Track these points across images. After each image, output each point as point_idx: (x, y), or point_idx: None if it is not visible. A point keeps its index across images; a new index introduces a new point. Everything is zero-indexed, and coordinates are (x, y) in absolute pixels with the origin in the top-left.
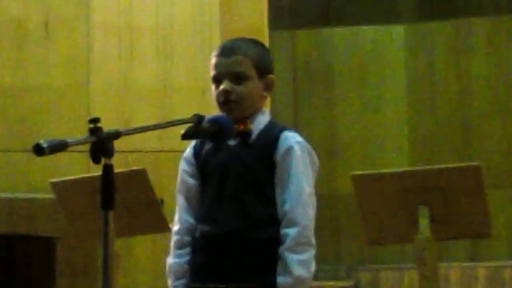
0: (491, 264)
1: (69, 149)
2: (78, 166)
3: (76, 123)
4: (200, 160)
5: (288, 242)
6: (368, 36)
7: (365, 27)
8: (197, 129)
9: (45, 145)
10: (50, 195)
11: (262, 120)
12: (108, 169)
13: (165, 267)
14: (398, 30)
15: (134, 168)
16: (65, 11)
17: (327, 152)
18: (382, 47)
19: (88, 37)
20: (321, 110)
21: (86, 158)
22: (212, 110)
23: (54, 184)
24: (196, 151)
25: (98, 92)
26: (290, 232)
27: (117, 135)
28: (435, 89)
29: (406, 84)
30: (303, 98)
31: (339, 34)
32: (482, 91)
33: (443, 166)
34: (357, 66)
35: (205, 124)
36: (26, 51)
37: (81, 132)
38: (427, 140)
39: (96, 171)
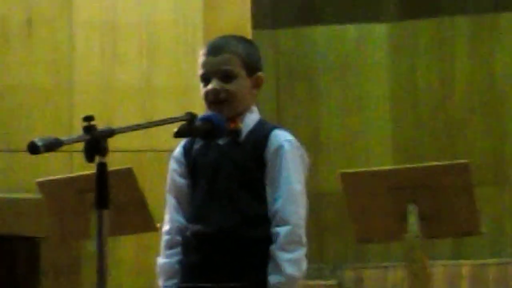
0: (475, 262)
1: None
2: (61, 165)
3: (59, 121)
4: (190, 159)
5: (279, 241)
6: (351, 35)
7: (347, 26)
8: (190, 127)
9: (40, 144)
10: (34, 195)
11: (252, 118)
12: (102, 167)
13: (148, 266)
14: (380, 29)
15: (121, 167)
16: (47, 10)
17: (310, 150)
18: (365, 46)
19: (71, 36)
20: (304, 109)
21: (69, 157)
22: (195, 109)
23: (40, 184)
24: (186, 150)
25: (81, 91)
26: (281, 230)
27: (111, 133)
28: (418, 87)
29: (389, 83)
30: (285, 96)
31: (321, 33)
32: (465, 90)
33: (431, 163)
34: (339, 64)
35: (197, 122)
36: (9, 50)
37: (64, 131)
38: (410, 138)
39: (80, 170)
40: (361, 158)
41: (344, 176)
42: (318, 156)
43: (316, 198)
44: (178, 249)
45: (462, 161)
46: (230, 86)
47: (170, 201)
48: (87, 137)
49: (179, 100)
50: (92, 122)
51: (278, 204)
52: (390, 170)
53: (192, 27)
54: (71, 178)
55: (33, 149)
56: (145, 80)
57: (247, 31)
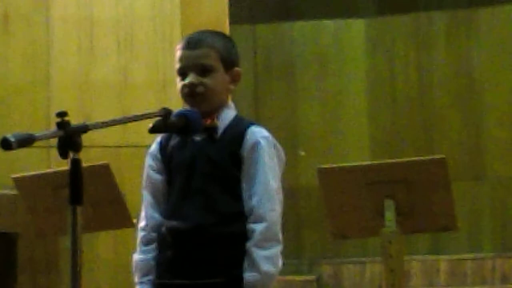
0: (452, 257)
1: None
2: (38, 161)
3: (36, 117)
4: (166, 156)
5: (255, 238)
6: (329, 30)
7: (325, 21)
8: (165, 123)
9: (12, 140)
10: (10, 191)
11: (228, 114)
12: (76, 163)
13: (125, 262)
14: (358, 24)
15: (97, 163)
16: (24, 4)
17: (288, 145)
18: (343, 41)
19: (48, 31)
20: (282, 104)
21: (46, 153)
22: (173, 105)
23: (16, 180)
24: (162, 146)
25: (58, 87)
26: (257, 227)
27: (85, 129)
28: (395, 82)
29: (366, 78)
30: (263, 91)
31: (299, 28)
32: (442, 84)
33: (408, 159)
34: (317, 60)
35: (173, 118)
36: None
37: (42, 127)
38: (388, 133)
39: (57, 166)
40: (339, 152)
41: (321, 171)
42: (296, 151)
43: (293, 193)
44: (154, 246)
45: (439, 156)
46: (207, 80)
47: (146, 197)
48: (61, 133)
49: (157, 95)
50: (66, 118)
51: (254, 201)
52: (367, 166)
53: (169, 22)
54: (47, 174)
55: (6, 145)
56: (122, 75)
57: (225, 26)
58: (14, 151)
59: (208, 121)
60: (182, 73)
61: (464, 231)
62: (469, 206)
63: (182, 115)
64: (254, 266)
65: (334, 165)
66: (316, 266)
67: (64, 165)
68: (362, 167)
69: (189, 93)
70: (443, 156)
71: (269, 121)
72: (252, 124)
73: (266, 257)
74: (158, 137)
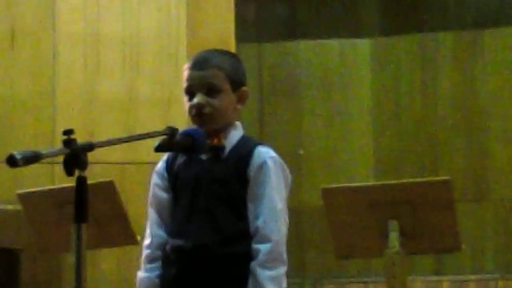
0: (455, 277)
1: None
2: (43, 177)
3: (41, 133)
4: (172, 174)
5: (260, 258)
6: (334, 50)
7: (330, 41)
8: (170, 141)
9: (19, 157)
10: (14, 206)
11: (235, 134)
12: (82, 181)
13: (128, 279)
14: (363, 44)
15: (102, 180)
16: (31, 21)
17: (292, 165)
18: (348, 61)
19: (54, 47)
20: (287, 123)
21: (50, 170)
22: (178, 122)
23: (20, 196)
24: (168, 165)
25: (63, 103)
26: (263, 248)
27: (91, 147)
28: (400, 103)
29: (371, 98)
30: (269, 110)
31: (305, 47)
32: (447, 105)
33: (413, 180)
34: (322, 79)
35: (178, 137)
36: None
37: (46, 143)
38: (392, 153)
39: (61, 182)
40: (343, 172)
41: (325, 191)
42: (300, 171)
43: (297, 212)
44: (159, 264)
45: (443, 177)
46: (215, 101)
47: (152, 215)
48: (67, 151)
49: (162, 112)
50: (72, 136)
51: (260, 221)
52: (371, 186)
53: (175, 39)
54: (51, 190)
55: (12, 162)
56: (128, 92)
57: (231, 44)
58: (19, 168)
59: (215, 141)
60: (190, 93)
61: (468, 252)
62: (473, 227)
63: (187, 134)
64: (259, 286)
65: (339, 185)
66: (319, 285)
67: (68, 182)
68: (366, 188)
69: (197, 114)
70: (448, 177)
71: (273, 139)
72: (259, 144)
73: (271, 278)
74: (165, 155)
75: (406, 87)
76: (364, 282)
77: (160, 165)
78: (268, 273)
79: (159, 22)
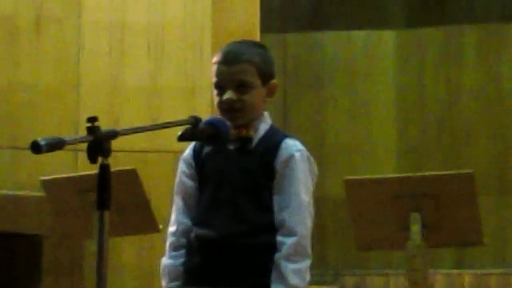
0: (477, 271)
1: None
2: (65, 164)
3: (65, 121)
4: (199, 162)
5: (284, 251)
6: (359, 41)
7: (355, 32)
8: (193, 131)
9: (42, 143)
10: (37, 193)
11: (263, 126)
12: (105, 169)
13: (150, 267)
14: (388, 36)
15: (124, 167)
16: (56, 9)
17: (315, 156)
18: (372, 52)
19: (79, 35)
20: (310, 114)
21: (73, 157)
22: (201, 111)
23: (44, 182)
24: (196, 153)
25: (87, 91)
26: (288, 241)
27: (114, 134)
28: (424, 95)
29: (395, 90)
30: (292, 101)
31: (329, 38)
32: (472, 97)
33: (436, 173)
34: (347, 70)
35: (201, 126)
36: (17, 49)
37: (70, 130)
38: (415, 146)
39: (84, 169)
40: (365, 164)
41: (348, 182)
42: (323, 162)
43: (319, 204)
44: (183, 251)
45: (466, 171)
46: (246, 97)
47: (177, 202)
48: (90, 138)
49: (186, 100)
50: (96, 123)
51: (285, 214)
52: (394, 178)
53: (200, 28)
54: (74, 177)
55: (36, 148)
56: (152, 80)
57: (256, 34)
58: (41, 154)
59: (243, 132)
60: (220, 88)
61: (490, 245)
62: (495, 220)
63: (211, 124)
64: (282, 279)
65: (362, 177)
66: (340, 277)
67: (91, 169)
68: (389, 180)
69: (227, 109)
70: (471, 170)
71: (296, 131)
72: (287, 136)
73: (295, 271)
74: (192, 143)
75: (430, 80)
76: (385, 275)
77: (188, 152)
78: (292, 266)
79: (184, 11)
